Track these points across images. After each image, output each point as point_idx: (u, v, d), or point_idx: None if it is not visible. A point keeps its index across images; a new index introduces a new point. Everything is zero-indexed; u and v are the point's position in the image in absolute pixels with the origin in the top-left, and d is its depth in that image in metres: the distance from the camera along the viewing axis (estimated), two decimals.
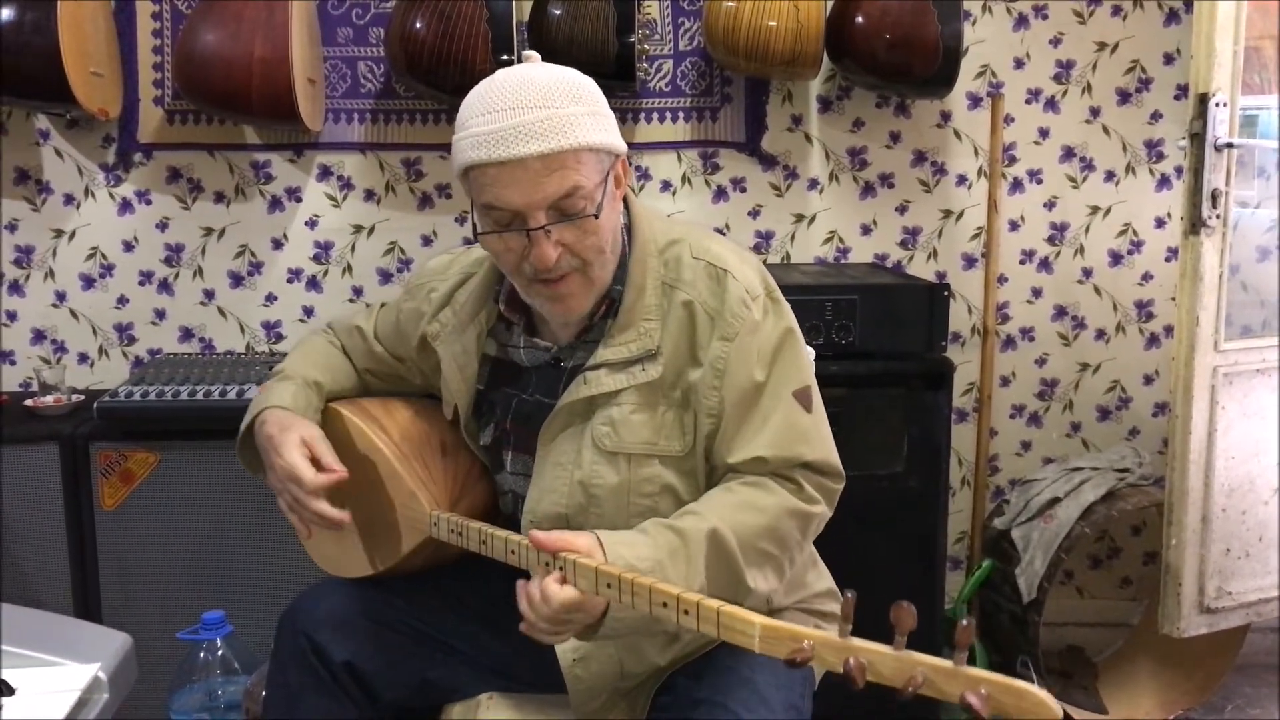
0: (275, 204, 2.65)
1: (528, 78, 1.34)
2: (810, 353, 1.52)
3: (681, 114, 2.64)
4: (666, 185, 2.67)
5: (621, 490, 1.42)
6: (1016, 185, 2.71)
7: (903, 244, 2.72)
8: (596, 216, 1.35)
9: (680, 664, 1.45)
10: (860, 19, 2.37)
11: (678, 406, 1.43)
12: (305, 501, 1.48)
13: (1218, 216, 2.21)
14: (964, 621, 0.97)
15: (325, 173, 2.64)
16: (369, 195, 2.66)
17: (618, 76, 2.39)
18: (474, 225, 1.40)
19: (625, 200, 1.47)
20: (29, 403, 2.33)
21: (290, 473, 1.47)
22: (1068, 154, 2.71)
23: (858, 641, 1.04)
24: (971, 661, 2.67)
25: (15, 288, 2.64)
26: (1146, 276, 2.75)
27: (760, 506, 1.38)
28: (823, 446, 1.45)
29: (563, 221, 1.33)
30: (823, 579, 1.60)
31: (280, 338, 2.68)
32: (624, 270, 1.44)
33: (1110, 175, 2.72)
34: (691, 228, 1.51)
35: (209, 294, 2.67)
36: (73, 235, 2.63)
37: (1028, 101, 2.68)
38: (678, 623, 1.18)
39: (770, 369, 1.42)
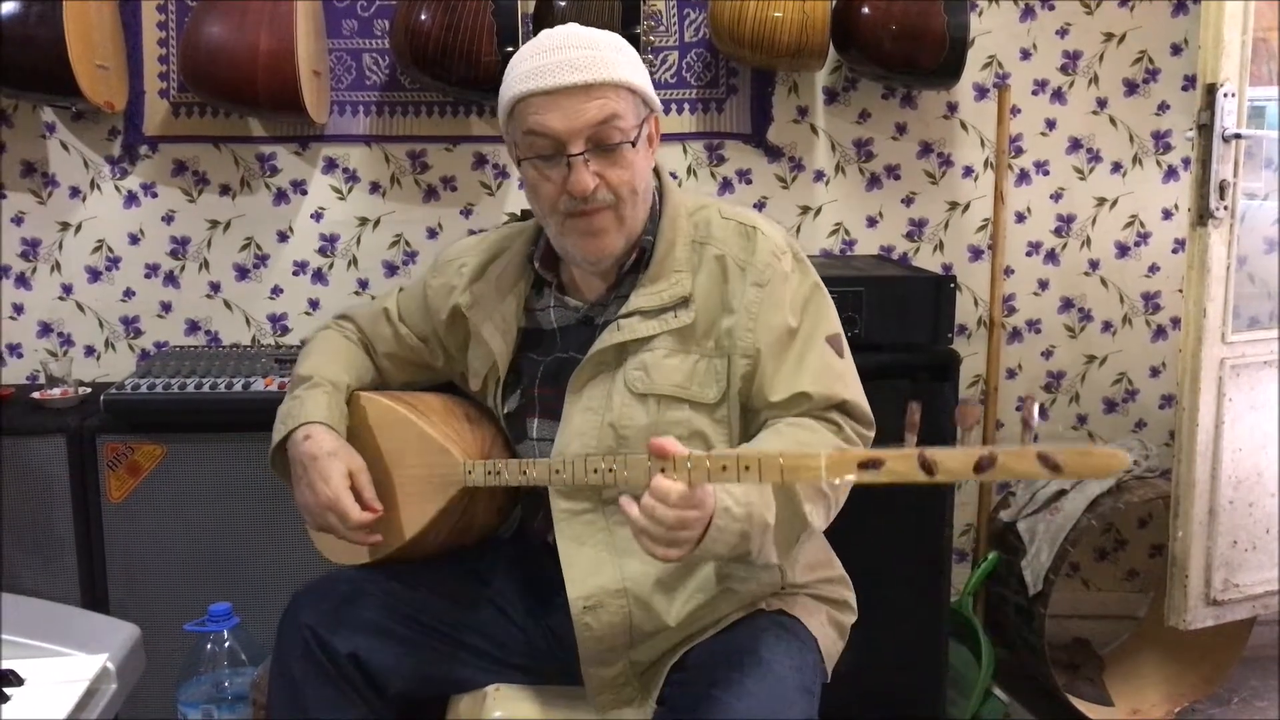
0: (281, 196, 2.65)
1: (575, 29, 1.45)
2: (834, 310, 1.55)
3: (687, 106, 2.63)
4: (672, 177, 2.65)
5: (650, 431, 1.42)
6: (1023, 177, 2.70)
7: (909, 236, 2.72)
8: (634, 145, 1.41)
9: (694, 640, 1.46)
10: (866, 10, 2.36)
11: (710, 355, 1.47)
12: (342, 534, 1.52)
13: (1225, 208, 2.20)
14: (1024, 397, 1.01)
15: (330, 165, 2.64)
16: (374, 188, 2.66)
17: None
18: (517, 160, 1.46)
19: (655, 169, 1.53)
20: (36, 395, 2.33)
21: (334, 505, 1.49)
22: (1074, 145, 2.70)
23: (929, 450, 1.07)
24: (976, 650, 2.65)
25: (22, 281, 2.64)
26: (1153, 268, 2.75)
27: (809, 444, 1.40)
28: (857, 389, 1.49)
29: (600, 150, 1.40)
30: (836, 566, 1.61)
31: (286, 330, 2.69)
32: (655, 225, 1.50)
33: (1117, 166, 2.71)
34: (717, 199, 1.61)
35: (215, 286, 2.67)
36: (79, 228, 2.63)
37: (1034, 93, 2.67)
38: (739, 480, 1.20)
39: (802, 316, 1.48)
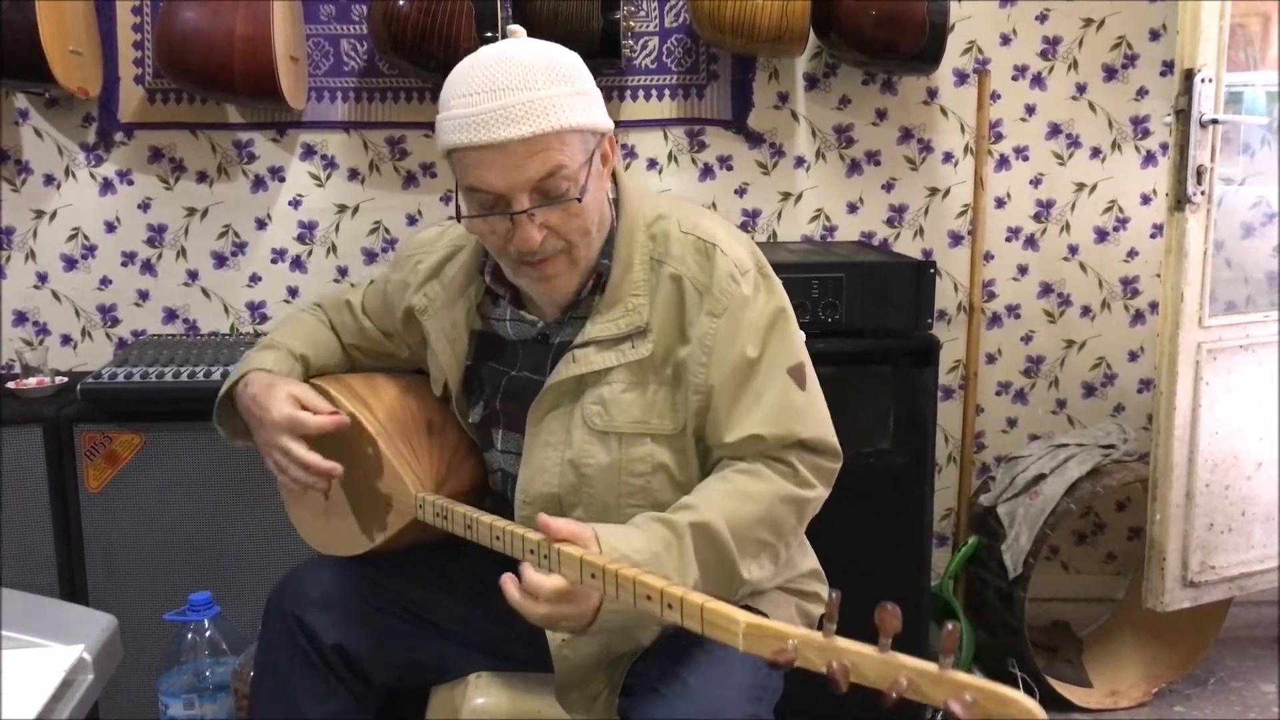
0: (258, 183, 2.63)
1: (510, 57, 1.32)
2: (800, 335, 1.52)
3: (667, 91, 2.63)
4: (653, 163, 2.66)
5: (613, 470, 1.42)
6: (1003, 162, 2.71)
7: (889, 222, 2.72)
8: (580, 200, 1.33)
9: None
10: None
11: (669, 385, 1.42)
12: (296, 453, 1.46)
13: (1202, 193, 2.21)
14: (949, 626, 0.94)
15: (309, 152, 2.62)
16: (353, 174, 2.64)
17: (603, 54, 2.37)
18: (458, 207, 1.38)
19: (614, 175, 1.46)
20: (11, 385, 2.31)
21: (288, 421, 1.46)
22: (1054, 131, 2.70)
23: (842, 642, 1.01)
24: (960, 643, 2.66)
25: None
26: (1132, 253, 2.76)
27: (754, 494, 1.37)
28: (819, 425, 1.44)
29: (546, 204, 1.32)
30: (808, 558, 1.60)
31: (265, 318, 2.67)
32: (611, 245, 1.43)
33: (1096, 152, 2.72)
34: (680, 203, 1.51)
35: (192, 275, 2.65)
36: (54, 216, 2.60)
37: (1014, 78, 2.68)
38: (661, 616, 1.16)
39: (763, 345, 1.42)
